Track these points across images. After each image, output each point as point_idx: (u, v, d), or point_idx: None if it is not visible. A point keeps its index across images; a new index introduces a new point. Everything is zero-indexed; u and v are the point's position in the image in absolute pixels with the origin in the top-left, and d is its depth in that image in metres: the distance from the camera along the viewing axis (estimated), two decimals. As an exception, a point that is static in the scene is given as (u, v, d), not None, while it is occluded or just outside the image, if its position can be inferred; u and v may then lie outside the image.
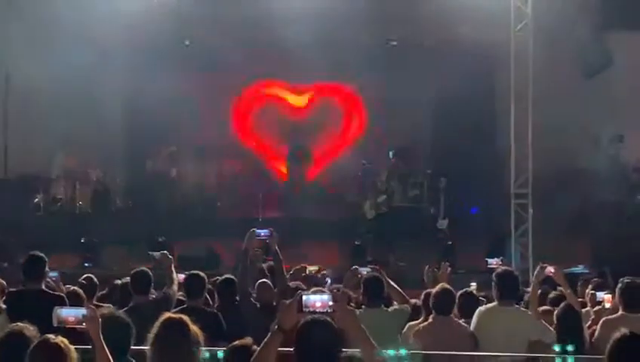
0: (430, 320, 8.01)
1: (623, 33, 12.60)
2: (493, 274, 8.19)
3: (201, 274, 8.70)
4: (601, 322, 7.84)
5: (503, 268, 9.63)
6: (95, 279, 9.62)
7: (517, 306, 8.08)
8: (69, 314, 5.52)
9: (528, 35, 14.86)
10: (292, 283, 9.06)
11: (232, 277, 9.18)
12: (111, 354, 5.43)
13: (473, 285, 10.66)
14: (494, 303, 8.09)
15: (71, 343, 5.25)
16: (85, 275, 9.78)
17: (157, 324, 4.90)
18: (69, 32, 17.37)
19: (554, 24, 14.42)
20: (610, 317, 7.97)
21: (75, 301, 8.21)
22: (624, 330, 5.33)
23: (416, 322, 8.35)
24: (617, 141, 18.89)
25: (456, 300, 8.31)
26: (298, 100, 22.95)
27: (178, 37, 20.16)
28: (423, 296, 8.62)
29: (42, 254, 8.35)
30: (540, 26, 14.68)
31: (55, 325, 5.47)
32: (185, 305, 8.37)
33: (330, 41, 20.63)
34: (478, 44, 20.98)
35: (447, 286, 8.22)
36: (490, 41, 20.22)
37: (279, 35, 20.37)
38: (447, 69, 20.25)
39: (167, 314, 4.98)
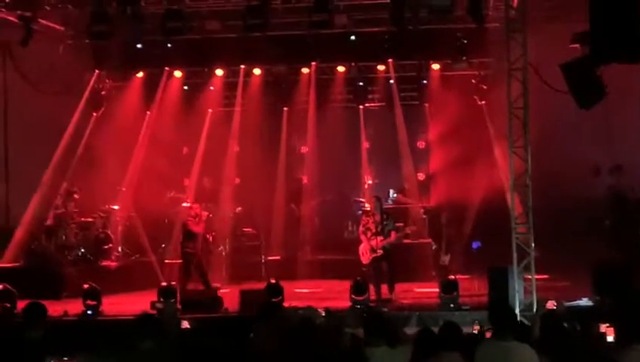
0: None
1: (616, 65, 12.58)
2: (488, 309, 8.16)
3: None
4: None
5: (496, 301, 9.58)
6: None
7: (516, 342, 7.91)
8: None
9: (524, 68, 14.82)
10: None
11: None
12: None
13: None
14: (491, 338, 8.03)
15: None
16: None
17: None
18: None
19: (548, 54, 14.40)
20: None
21: None
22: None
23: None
24: (616, 171, 18.89)
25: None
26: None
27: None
28: (418, 335, 8.44)
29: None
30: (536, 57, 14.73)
31: None
32: None
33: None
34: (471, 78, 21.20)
35: (454, 322, 8.14)
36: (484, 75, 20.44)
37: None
38: (441, 104, 20.44)
39: None
